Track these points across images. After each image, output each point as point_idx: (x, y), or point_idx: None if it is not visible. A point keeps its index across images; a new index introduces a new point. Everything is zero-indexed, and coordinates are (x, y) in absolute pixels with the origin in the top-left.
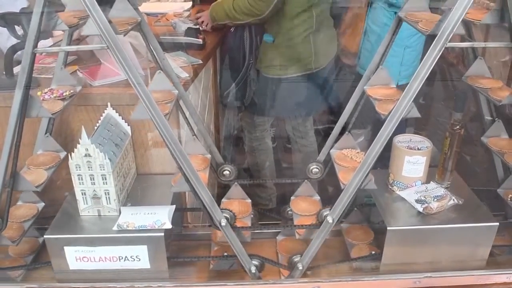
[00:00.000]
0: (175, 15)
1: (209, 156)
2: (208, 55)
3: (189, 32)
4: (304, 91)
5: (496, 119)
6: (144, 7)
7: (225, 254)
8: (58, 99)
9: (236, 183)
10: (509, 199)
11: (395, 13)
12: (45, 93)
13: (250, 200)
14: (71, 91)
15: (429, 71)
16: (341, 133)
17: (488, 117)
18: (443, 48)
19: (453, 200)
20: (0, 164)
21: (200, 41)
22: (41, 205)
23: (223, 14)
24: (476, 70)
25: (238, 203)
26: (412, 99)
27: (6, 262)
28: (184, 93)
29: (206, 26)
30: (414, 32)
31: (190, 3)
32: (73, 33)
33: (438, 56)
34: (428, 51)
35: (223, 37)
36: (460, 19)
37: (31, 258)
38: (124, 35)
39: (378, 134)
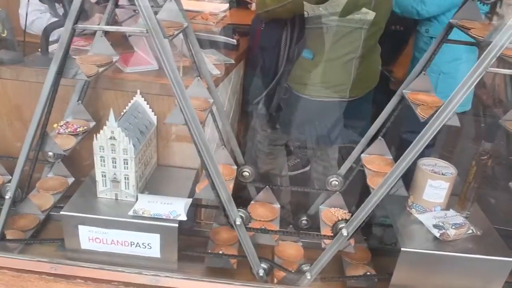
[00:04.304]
0: (211, 15)
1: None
2: (240, 56)
3: (225, 31)
4: (331, 118)
5: None
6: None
7: (220, 252)
8: (71, 135)
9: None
10: None
11: (432, 38)
12: (61, 126)
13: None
14: (85, 127)
15: (476, 81)
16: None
17: None
18: (495, 59)
19: (472, 230)
20: (28, 136)
21: (234, 41)
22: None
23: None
24: None
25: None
26: (456, 107)
27: (15, 234)
28: (214, 89)
29: None
30: (453, 58)
31: (227, 5)
32: (110, 21)
33: (489, 67)
34: (478, 61)
35: (254, 38)
36: None
37: (30, 233)
38: (170, 40)
39: (416, 140)
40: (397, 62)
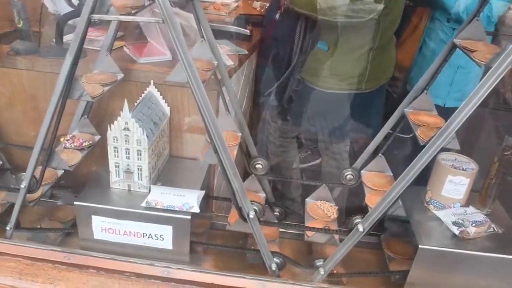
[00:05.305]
0: (223, 5)
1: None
2: (253, 47)
3: (238, 22)
4: (345, 110)
5: None
6: None
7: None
8: (77, 149)
9: (324, 185)
10: None
11: (454, 29)
12: (67, 140)
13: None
14: (90, 141)
15: (476, 105)
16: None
17: None
18: (495, 83)
19: (493, 228)
20: (44, 126)
21: (248, 31)
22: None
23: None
24: None
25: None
26: (455, 130)
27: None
28: (228, 79)
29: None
30: None
31: None
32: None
33: (490, 90)
34: (480, 83)
35: (268, 29)
36: None
37: (69, 225)
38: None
39: (416, 158)
40: (401, 47)
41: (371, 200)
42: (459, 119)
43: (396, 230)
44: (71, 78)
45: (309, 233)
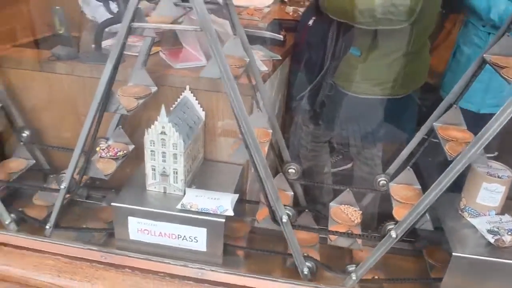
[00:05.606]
0: (256, 10)
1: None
2: (287, 52)
3: (271, 27)
4: (378, 116)
5: None
6: None
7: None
8: (112, 159)
9: (348, 189)
10: None
11: (489, 34)
12: (103, 149)
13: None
14: (125, 151)
15: (502, 125)
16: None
17: None
18: None
19: None
20: (84, 129)
21: (281, 37)
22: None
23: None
24: None
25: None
26: (483, 146)
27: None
28: (262, 85)
29: None
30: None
31: (271, 0)
32: None
33: None
34: (507, 102)
35: (301, 34)
36: None
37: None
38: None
39: (441, 176)
40: (434, 52)
41: (398, 213)
42: (487, 135)
43: (430, 237)
44: (111, 84)
45: (332, 237)
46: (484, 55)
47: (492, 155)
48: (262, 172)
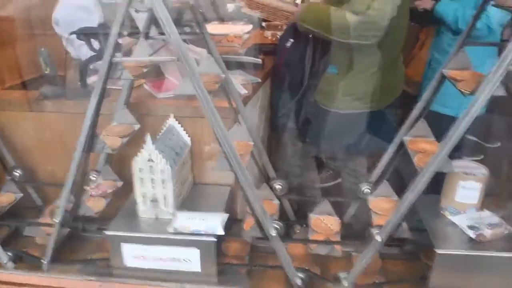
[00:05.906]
0: (236, 37)
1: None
2: (266, 74)
3: (251, 52)
4: (360, 129)
5: None
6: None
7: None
8: (101, 196)
9: (326, 200)
10: None
11: (455, 39)
12: (92, 188)
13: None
14: (114, 188)
15: (464, 130)
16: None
17: None
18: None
19: (509, 230)
20: (74, 162)
21: (260, 61)
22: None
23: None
24: None
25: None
26: (448, 154)
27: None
28: (243, 108)
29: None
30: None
31: (250, 26)
32: None
33: (474, 117)
34: (467, 109)
35: (280, 56)
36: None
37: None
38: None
39: (414, 183)
40: (411, 63)
41: (378, 221)
42: (450, 143)
43: (416, 240)
44: (97, 117)
45: (312, 246)
46: (442, 70)
47: (478, 158)
48: (243, 180)
